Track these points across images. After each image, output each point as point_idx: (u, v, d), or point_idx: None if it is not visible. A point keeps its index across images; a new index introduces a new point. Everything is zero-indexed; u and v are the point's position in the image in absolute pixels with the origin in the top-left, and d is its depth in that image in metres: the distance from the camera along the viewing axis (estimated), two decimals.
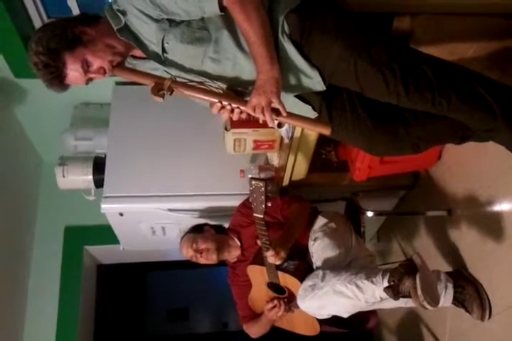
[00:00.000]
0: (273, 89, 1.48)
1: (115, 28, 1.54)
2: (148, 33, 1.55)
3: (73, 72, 1.53)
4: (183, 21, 1.53)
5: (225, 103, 1.54)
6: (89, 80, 1.59)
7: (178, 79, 1.58)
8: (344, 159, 2.68)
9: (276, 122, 1.56)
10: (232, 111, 1.56)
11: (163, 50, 1.58)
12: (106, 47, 1.55)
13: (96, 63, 1.55)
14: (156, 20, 1.52)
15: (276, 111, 1.53)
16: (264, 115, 1.51)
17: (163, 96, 1.52)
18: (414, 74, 1.52)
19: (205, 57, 1.58)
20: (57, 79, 1.54)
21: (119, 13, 1.53)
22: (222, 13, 1.49)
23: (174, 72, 1.63)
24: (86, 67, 1.54)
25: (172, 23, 1.53)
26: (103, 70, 1.57)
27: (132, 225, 2.82)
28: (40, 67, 1.50)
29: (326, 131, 1.58)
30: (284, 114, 1.53)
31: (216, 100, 1.54)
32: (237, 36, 1.54)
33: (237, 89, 1.67)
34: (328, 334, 2.40)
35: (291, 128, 2.18)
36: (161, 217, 2.73)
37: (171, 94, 1.53)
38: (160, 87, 1.51)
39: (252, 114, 1.53)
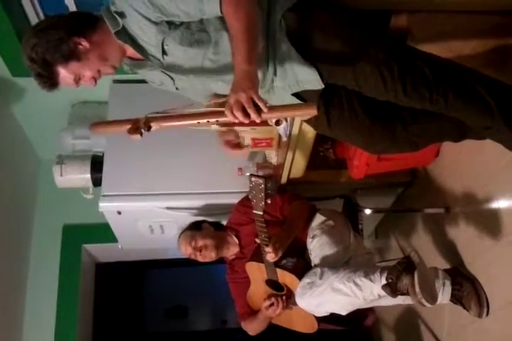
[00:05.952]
0: (249, 84, 1.36)
1: (113, 31, 1.53)
2: (148, 35, 1.54)
3: (65, 81, 1.57)
4: (182, 23, 1.53)
5: (203, 121, 1.48)
6: (79, 85, 1.63)
7: (178, 87, 1.63)
8: (342, 157, 2.68)
9: (261, 119, 1.42)
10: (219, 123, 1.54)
11: (163, 52, 1.57)
12: (99, 60, 1.57)
13: (87, 74, 1.58)
14: (155, 23, 1.51)
15: (257, 108, 1.39)
16: (243, 114, 1.37)
17: (141, 133, 1.50)
18: (412, 72, 1.51)
19: (205, 59, 1.57)
20: (49, 87, 1.57)
21: (116, 16, 1.52)
22: (222, 15, 1.47)
23: (173, 73, 1.63)
24: (78, 78, 1.58)
25: (171, 25, 1.52)
26: (94, 79, 1.60)
27: (130, 223, 2.82)
28: (33, 73, 1.53)
29: (313, 111, 1.48)
30: (265, 110, 1.39)
31: (195, 122, 1.48)
32: None
33: None
34: (326, 331, 2.41)
35: (288, 126, 2.18)
36: (159, 216, 2.74)
37: (148, 131, 1.51)
38: (136, 126, 1.50)
39: (232, 119, 1.40)
